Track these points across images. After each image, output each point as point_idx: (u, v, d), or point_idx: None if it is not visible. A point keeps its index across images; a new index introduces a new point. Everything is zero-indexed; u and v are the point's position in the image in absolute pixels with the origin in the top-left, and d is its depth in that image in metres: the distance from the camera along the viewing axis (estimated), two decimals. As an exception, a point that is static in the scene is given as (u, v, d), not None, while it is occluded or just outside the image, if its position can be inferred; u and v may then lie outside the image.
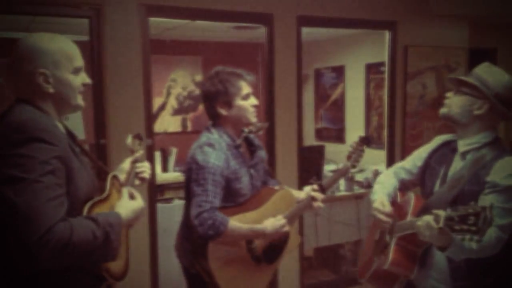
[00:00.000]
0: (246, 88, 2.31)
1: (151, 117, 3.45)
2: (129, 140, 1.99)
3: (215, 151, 2.23)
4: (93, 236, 1.45)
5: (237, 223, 2.20)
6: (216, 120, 2.35)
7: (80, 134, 4.55)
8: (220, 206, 2.21)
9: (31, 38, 1.59)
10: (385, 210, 2.12)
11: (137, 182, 1.92)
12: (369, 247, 2.39)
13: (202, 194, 2.17)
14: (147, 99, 3.38)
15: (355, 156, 2.47)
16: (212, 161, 2.20)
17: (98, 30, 3.22)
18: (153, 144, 3.42)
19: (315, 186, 2.43)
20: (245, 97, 2.31)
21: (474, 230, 1.57)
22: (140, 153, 1.97)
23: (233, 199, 2.31)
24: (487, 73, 1.98)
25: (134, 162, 1.93)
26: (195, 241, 2.25)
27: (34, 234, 1.34)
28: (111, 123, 3.28)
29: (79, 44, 1.67)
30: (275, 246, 2.40)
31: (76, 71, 1.63)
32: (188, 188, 2.27)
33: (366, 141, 2.49)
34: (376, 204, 2.17)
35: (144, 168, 1.94)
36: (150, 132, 3.41)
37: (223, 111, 2.30)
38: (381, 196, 2.22)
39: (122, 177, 1.89)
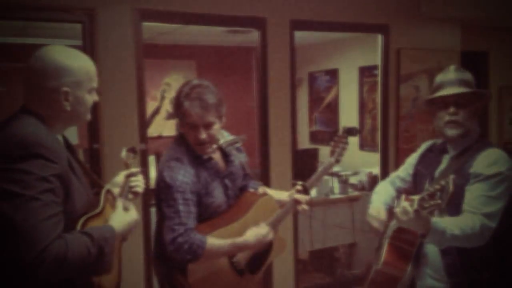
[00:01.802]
0: (192, 118, 2.06)
1: (145, 122, 3.45)
2: (124, 153, 1.94)
3: (183, 166, 2.07)
4: (88, 251, 1.44)
5: (216, 241, 2.07)
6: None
7: (74, 139, 4.54)
8: (196, 223, 2.08)
9: (57, 53, 1.58)
10: (379, 217, 2.17)
11: (130, 196, 1.88)
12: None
13: (174, 217, 2.02)
14: (140, 104, 3.38)
15: (338, 150, 2.32)
16: (180, 178, 2.04)
17: (91, 34, 3.21)
18: (146, 148, 3.42)
19: (299, 187, 2.30)
20: (192, 127, 2.09)
21: (439, 203, 1.65)
22: (134, 167, 1.92)
23: (205, 214, 2.16)
24: (465, 76, 2.05)
25: (129, 176, 1.89)
26: (172, 259, 2.11)
27: (30, 252, 1.33)
28: (105, 128, 3.27)
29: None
30: (258, 256, 2.30)
31: (92, 90, 1.66)
32: (159, 207, 2.15)
33: (351, 132, 2.36)
34: (371, 210, 2.23)
35: (138, 182, 1.90)
36: (144, 136, 3.41)
37: (179, 126, 2.17)
38: (377, 204, 2.27)
39: (116, 191, 1.87)
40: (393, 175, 2.45)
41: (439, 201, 1.66)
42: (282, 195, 2.42)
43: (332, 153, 2.33)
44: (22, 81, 1.59)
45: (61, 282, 1.45)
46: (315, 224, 4.27)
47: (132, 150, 1.95)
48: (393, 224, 2.08)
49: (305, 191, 2.31)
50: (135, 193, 1.90)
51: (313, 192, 4.29)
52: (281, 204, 2.35)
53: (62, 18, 3.23)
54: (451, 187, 1.63)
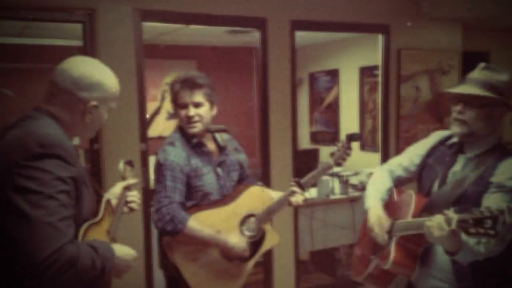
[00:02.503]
0: (182, 98, 2.30)
1: (145, 122, 3.45)
2: (121, 165, 1.99)
3: (175, 148, 2.29)
4: (93, 265, 1.45)
5: (198, 225, 2.21)
6: None
7: (74, 140, 4.54)
8: (183, 202, 2.25)
9: (96, 68, 1.64)
10: (382, 227, 2.08)
11: (125, 210, 1.91)
12: (364, 245, 2.36)
13: (161, 190, 2.22)
14: (141, 104, 3.38)
15: (339, 153, 2.42)
16: (171, 159, 2.24)
17: (92, 35, 3.21)
18: (147, 148, 3.42)
19: (292, 183, 2.41)
20: (181, 106, 2.31)
21: (492, 234, 1.55)
22: (133, 181, 1.96)
23: (196, 197, 2.31)
24: (493, 78, 1.95)
25: (126, 189, 1.92)
26: (162, 236, 2.28)
27: (44, 251, 1.33)
28: (105, 128, 3.26)
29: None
30: (250, 244, 2.38)
31: (109, 110, 1.70)
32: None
33: (353, 138, 2.45)
34: (373, 220, 2.12)
35: (134, 198, 1.93)
36: (144, 137, 3.41)
37: (174, 111, 2.39)
38: (375, 206, 2.17)
39: (113, 202, 1.88)
40: (393, 163, 2.32)
41: (492, 232, 1.55)
42: (277, 194, 2.50)
43: (332, 155, 2.42)
44: (48, 81, 1.61)
45: None
46: (315, 224, 4.27)
47: (129, 163, 2.00)
48: (403, 226, 2.03)
49: (300, 187, 2.40)
50: (131, 209, 1.92)
51: (314, 193, 4.29)
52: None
53: (62, 18, 3.23)
54: (508, 219, 1.53)
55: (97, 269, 1.46)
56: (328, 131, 6.36)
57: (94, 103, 1.60)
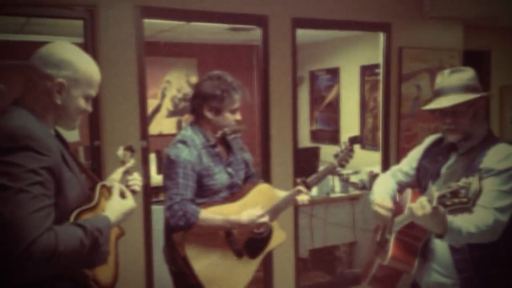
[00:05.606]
0: (237, 103, 2.40)
1: (145, 119, 3.45)
2: (120, 151, 1.97)
3: (187, 147, 2.30)
4: (81, 243, 1.43)
5: (210, 214, 2.25)
6: (197, 119, 2.41)
7: (75, 136, 4.54)
8: (193, 199, 2.27)
9: (67, 48, 1.60)
10: (385, 204, 2.13)
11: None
12: (371, 250, 2.40)
13: (173, 188, 2.24)
14: (141, 101, 3.37)
15: (342, 155, 2.57)
16: (183, 156, 2.26)
17: (93, 31, 3.21)
18: (147, 146, 3.42)
19: (299, 181, 2.50)
20: (233, 111, 2.40)
21: (465, 202, 1.61)
22: (131, 163, 1.93)
23: (207, 195, 2.34)
24: (463, 78, 2.01)
25: (126, 173, 1.90)
26: (173, 232, 2.28)
27: (18, 246, 1.32)
28: (106, 125, 3.27)
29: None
30: (257, 240, 2.42)
31: (88, 98, 1.64)
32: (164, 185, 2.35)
33: (355, 140, 2.59)
34: (377, 199, 2.18)
35: (136, 180, 1.92)
36: (145, 134, 3.40)
37: (209, 115, 2.36)
38: (381, 194, 2.24)
39: None
40: (394, 169, 2.41)
41: (464, 200, 1.61)
42: (281, 193, 2.56)
43: (336, 156, 2.58)
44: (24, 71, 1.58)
45: (56, 275, 1.44)
46: (316, 222, 4.27)
47: (129, 148, 1.97)
48: (399, 220, 2.06)
49: (307, 187, 2.49)
50: (133, 191, 1.89)
51: (314, 191, 4.29)
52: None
53: (63, 14, 3.22)
54: (478, 186, 1.59)
55: (87, 246, 1.45)
56: (328, 130, 6.36)
57: (60, 80, 1.54)
